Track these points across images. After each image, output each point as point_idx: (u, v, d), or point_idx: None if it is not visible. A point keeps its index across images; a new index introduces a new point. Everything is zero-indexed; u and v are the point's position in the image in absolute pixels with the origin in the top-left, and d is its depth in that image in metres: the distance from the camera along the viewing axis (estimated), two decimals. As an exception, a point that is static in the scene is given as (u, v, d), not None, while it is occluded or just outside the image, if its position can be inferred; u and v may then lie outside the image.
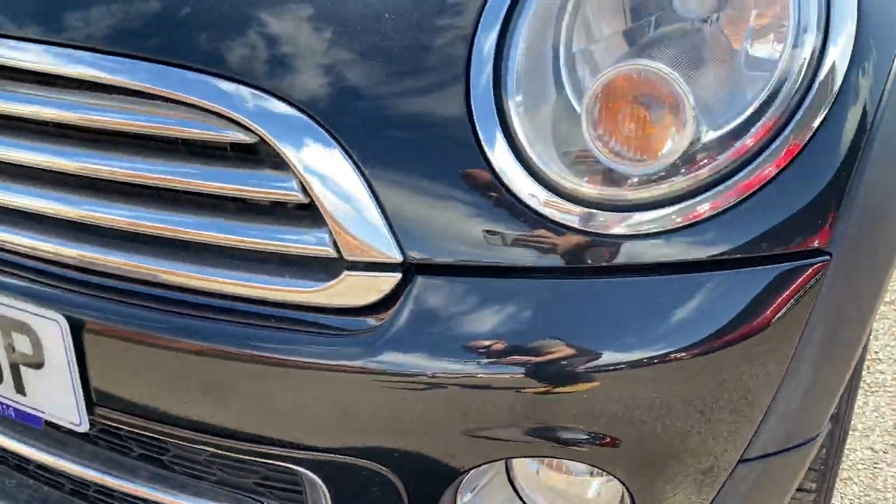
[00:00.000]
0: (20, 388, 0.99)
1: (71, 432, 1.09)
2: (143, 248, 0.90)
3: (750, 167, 0.82)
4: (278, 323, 0.87)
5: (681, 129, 0.81)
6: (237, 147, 0.88)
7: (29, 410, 1.01)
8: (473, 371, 0.82)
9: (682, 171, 0.82)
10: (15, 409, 1.02)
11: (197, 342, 0.89)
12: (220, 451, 0.97)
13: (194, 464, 1.02)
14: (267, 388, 0.88)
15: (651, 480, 0.88)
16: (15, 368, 0.98)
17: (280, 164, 0.85)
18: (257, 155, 0.88)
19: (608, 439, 0.85)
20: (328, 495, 0.91)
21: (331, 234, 0.84)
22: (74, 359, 0.92)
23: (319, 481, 0.90)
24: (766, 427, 0.91)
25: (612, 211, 0.82)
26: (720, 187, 0.82)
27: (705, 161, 0.82)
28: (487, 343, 0.82)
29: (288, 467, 0.96)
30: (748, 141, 0.82)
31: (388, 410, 0.85)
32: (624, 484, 0.87)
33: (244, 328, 0.88)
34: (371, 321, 0.85)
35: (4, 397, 1.02)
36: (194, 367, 0.89)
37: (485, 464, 0.86)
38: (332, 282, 0.85)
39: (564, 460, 0.93)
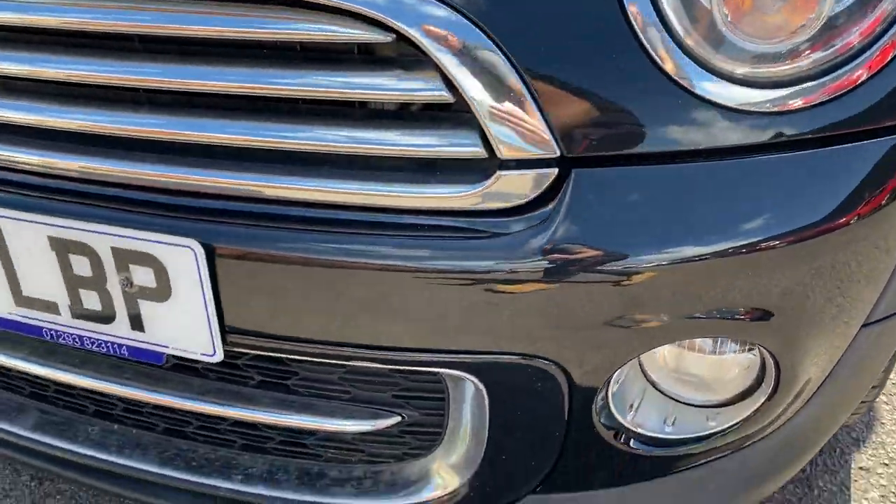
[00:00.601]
0: (137, 324, 0.95)
1: (179, 367, 1.06)
2: (279, 168, 0.85)
3: (885, 37, 0.85)
4: (427, 231, 0.85)
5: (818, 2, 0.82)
6: (365, 49, 0.85)
7: (148, 347, 0.96)
8: (638, 259, 0.83)
9: (822, 44, 0.83)
10: (129, 348, 0.98)
11: (342, 258, 0.86)
12: (362, 367, 0.97)
13: (325, 384, 1.01)
14: (422, 297, 0.86)
15: (794, 349, 0.93)
16: (132, 304, 0.93)
17: (419, 64, 0.82)
18: (393, 56, 0.85)
19: (763, 313, 0.88)
20: (486, 397, 0.92)
21: (482, 133, 0.82)
22: (210, 286, 0.88)
23: (479, 384, 0.90)
24: (888, 291, 0.97)
25: (762, 88, 0.83)
26: (859, 59, 0.85)
27: (842, 33, 0.83)
28: (650, 230, 0.83)
29: (431, 375, 0.96)
30: (887, 6, 0.83)
31: (553, 306, 0.85)
32: (772, 354, 0.91)
33: (390, 239, 0.86)
34: (527, 219, 0.85)
35: (116, 336, 0.97)
36: (340, 285, 0.87)
37: (646, 351, 0.88)
38: (486, 183, 0.84)
39: (699, 342, 0.97)
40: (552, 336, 0.87)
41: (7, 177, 0.93)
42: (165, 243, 0.87)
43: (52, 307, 0.98)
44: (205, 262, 0.86)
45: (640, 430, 0.98)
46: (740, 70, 0.82)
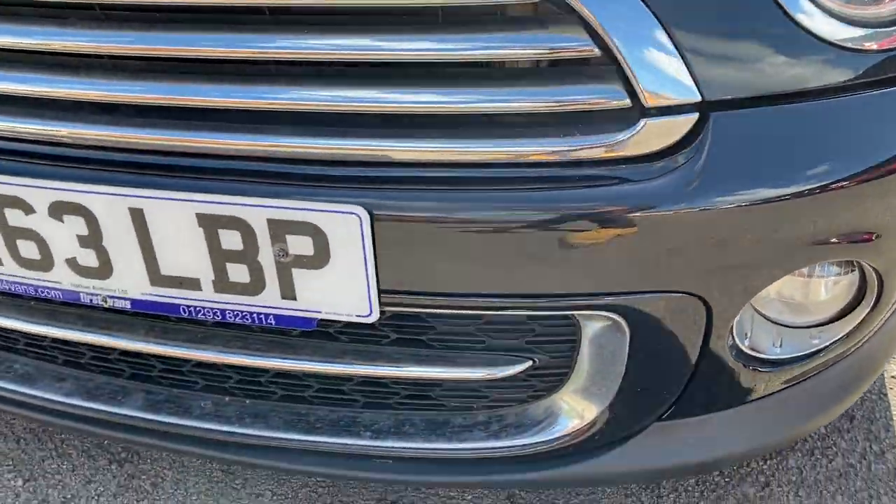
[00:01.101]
0: (289, 293, 0.97)
1: (307, 333, 1.08)
2: (433, 131, 0.88)
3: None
4: (575, 182, 0.90)
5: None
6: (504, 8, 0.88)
7: (299, 314, 0.98)
8: (775, 191, 0.90)
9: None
10: (277, 317, 1.00)
11: (496, 214, 0.90)
12: (502, 317, 1.01)
13: (460, 336, 1.05)
14: (574, 246, 0.91)
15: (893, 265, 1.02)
16: (284, 274, 0.95)
17: (560, 20, 0.86)
18: (528, 15, 0.88)
19: (875, 234, 0.96)
20: (626, 335, 0.98)
21: (626, 83, 0.87)
22: (372, 251, 0.91)
23: (622, 323, 0.96)
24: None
25: (879, 27, 0.90)
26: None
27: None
28: (783, 165, 0.90)
29: (566, 319, 1.02)
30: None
31: (698, 243, 0.91)
32: (877, 272, 1.00)
33: (539, 192, 0.91)
34: (670, 163, 0.90)
35: (264, 307, 0.99)
36: (493, 240, 0.91)
37: (779, 278, 0.96)
38: (632, 131, 0.88)
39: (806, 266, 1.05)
40: (696, 272, 0.93)
41: (148, 160, 0.94)
42: (329, 211, 0.89)
43: (193, 284, 0.99)
44: (369, 226, 0.90)
45: (755, 354, 1.07)
46: (858, 13, 0.90)
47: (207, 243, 0.95)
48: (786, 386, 1.14)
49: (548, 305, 0.96)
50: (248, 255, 0.95)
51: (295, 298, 0.98)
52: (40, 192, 0.98)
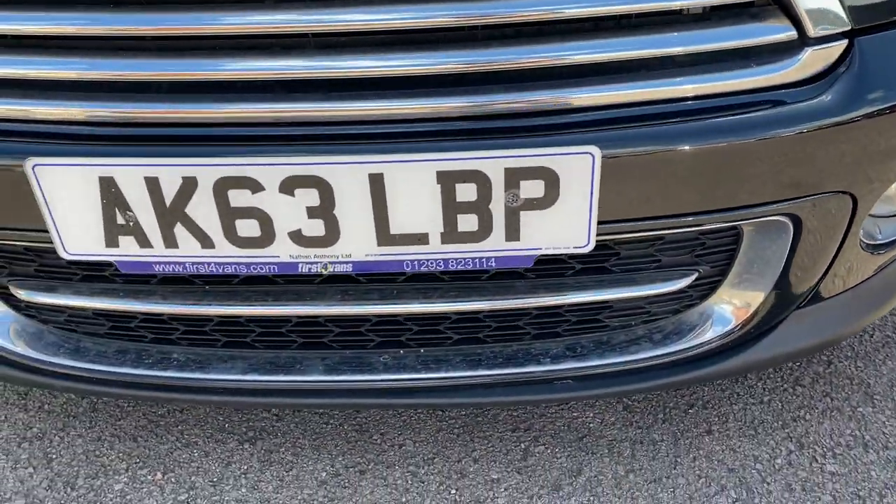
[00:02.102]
0: (513, 235, 1.07)
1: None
2: (649, 74, 1.01)
3: None
4: (753, 108, 1.05)
5: None
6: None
7: (520, 254, 1.09)
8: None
9: None
10: (498, 259, 1.09)
11: (696, 141, 1.04)
12: (680, 234, 1.15)
13: (640, 258, 1.18)
14: (757, 162, 1.06)
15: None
16: (512, 217, 1.05)
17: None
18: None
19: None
20: (790, 235, 1.15)
21: (793, 20, 1.03)
22: (598, 186, 1.02)
23: (789, 225, 1.13)
24: None
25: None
26: None
27: None
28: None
29: (733, 230, 1.17)
30: None
31: (852, 146, 1.09)
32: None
33: (724, 120, 1.05)
34: (828, 83, 1.07)
35: (486, 251, 1.08)
36: (693, 164, 1.05)
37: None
38: (797, 60, 1.05)
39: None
40: (851, 171, 1.12)
41: (391, 129, 1.01)
42: (565, 154, 1.00)
43: (421, 238, 1.07)
44: (599, 165, 1.01)
45: (869, 241, 1.27)
46: None
47: (443, 198, 1.04)
48: (874, 273, 1.37)
49: (729, 218, 1.12)
50: (480, 204, 1.05)
51: (518, 239, 1.08)
52: (273, 170, 1.03)
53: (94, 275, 1.24)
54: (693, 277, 1.22)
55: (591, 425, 1.56)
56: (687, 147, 1.05)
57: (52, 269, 1.25)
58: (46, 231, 1.12)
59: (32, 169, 1.06)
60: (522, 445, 1.53)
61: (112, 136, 1.05)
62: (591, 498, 1.43)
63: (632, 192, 1.07)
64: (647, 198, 1.09)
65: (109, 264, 1.22)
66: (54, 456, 1.55)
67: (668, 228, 1.12)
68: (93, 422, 1.62)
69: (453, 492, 1.46)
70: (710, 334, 1.28)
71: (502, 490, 1.45)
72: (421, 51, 1.01)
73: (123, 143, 1.05)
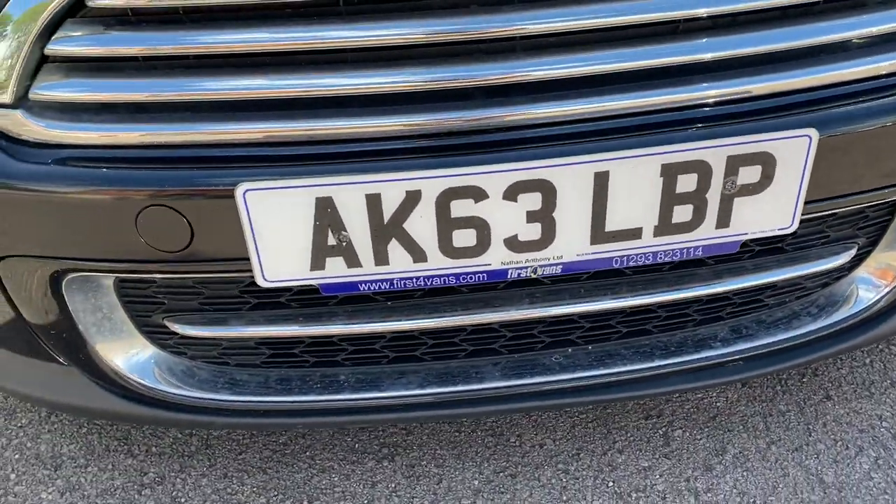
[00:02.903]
0: (724, 222, 1.08)
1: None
2: (856, 52, 1.05)
3: None
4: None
5: None
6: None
7: (727, 240, 1.10)
8: None
9: None
10: (706, 247, 1.10)
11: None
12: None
13: (813, 235, 1.22)
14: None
15: None
16: (726, 204, 1.06)
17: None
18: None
19: None
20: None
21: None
22: (810, 168, 1.05)
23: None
24: None
25: None
26: None
27: None
28: None
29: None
30: None
31: None
32: None
33: None
34: None
35: (696, 240, 1.09)
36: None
37: None
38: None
39: None
40: None
41: (613, 124, 1.01)
42: (785, 138, 1.02)
43: (634, 233, 1.07)
44: (815, 146, 1.04)
45: None
46: None
47: (663, 191, 1.04)
48: None
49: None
50: (697, 194, 1.06)
51: (728, 226, 1.10)
52: (500, 177, 1.01)
53: (268, 302, 1.19)
54: (854, 250, 1.28)
55: (719, 405, 1.60)
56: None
57: (220, 300, 1.20)
58: (242, 259, 1.07)
59: (243, 195, 1.01)
60: (660, 431, 1.55)
61: (331, 155, 1.01)
62: (745, 473, 1.47)
63: (838, 169, 1.11)
64: (850, 175, 1.13)
65: (286, 290, 1.18)
66: (183, 500, 1.47)
67: (862, 203, 1.17)
68: (211, 459, 1.55)
69: (611, 484, 1.47)
70: (863, 302, 1.34)
71: (657, 476, 1.47)
72: (637, 46, 1.02)
73: (344, 161, 1.01)
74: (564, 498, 1.45)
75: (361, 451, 1.55)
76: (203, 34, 1.00)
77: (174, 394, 1.25)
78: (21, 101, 1.04)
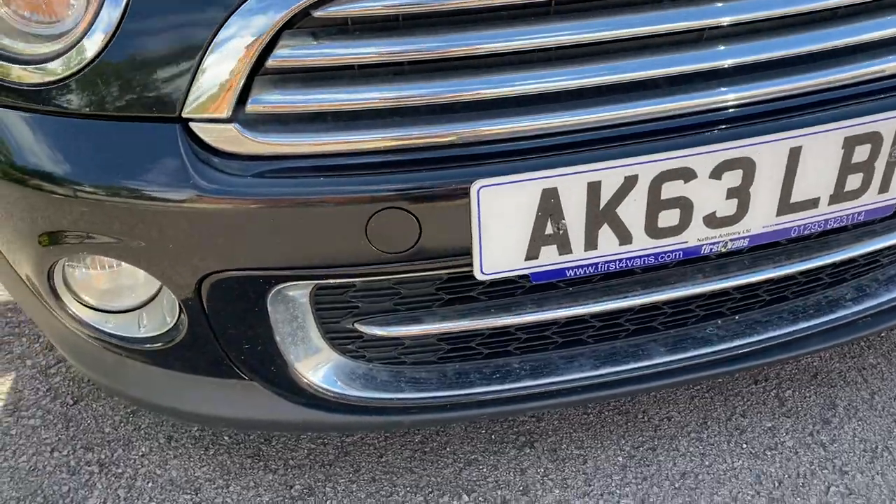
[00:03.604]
0: (885, 187, 1.18)
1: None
2: None
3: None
4: None
5: None
6: None
7: (885, 204, 1.20)
8: None
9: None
10: (867, 211, 1.20)
11: None
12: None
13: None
14: None
15: None
16: (889, 171, 1.16)
17: None
18: None
19: None
20: None
21: None
22: None
23: None
24: None
25: None
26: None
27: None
28: None
29: None
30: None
31: None
32: None
33: None
34: None
35: (859, 206, 1.18)
36: None
37: None
38: None
39: None
40: None
41: (806, 101, 1.09)
42: (944, 107, 1.13)
43: (813, 203, 1.16)
44: (962, 113, 1.15)
45: None
46: None
47: (842, 161, 1.13)
48: None
49: None
50: (868, 163, 1.15)
51: (888, 191, 1.20)
52: (710, 157, 1.08)
53: (460, 297, 1.22)
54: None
55: (816, 364, 1.72)
56: None
57: (415, 298, 1.21)
58: (463, 255, 1.10)
59: (478, 191, 1.04)
60: (772, 394, 1.65)
61: (556, 146, 1.05)
62: (860, 423, 1.58)
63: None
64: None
65: (478, 283, 1.21)
66: None
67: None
68: (355, 465, 1.55)
69: (744, 446, 1.55)
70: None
71: (783, 434, 1.57)
72: (822, 29, 1.11)
73: (568, 152, 1.06)
74: (707, 463, 1.53)
75: (500, 442, 1.59)
76: (430, 39, 1.02)
77: (361, 397, 1.26)
78: (236, 115, 1.06)
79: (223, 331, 1.19)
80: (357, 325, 1.23)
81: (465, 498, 1.49)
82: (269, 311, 1.16)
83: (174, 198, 1.06)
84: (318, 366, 1.27)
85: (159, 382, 1.29)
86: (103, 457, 1.60)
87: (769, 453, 1.54)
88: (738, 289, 1.37)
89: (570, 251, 1.13)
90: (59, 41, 1.07)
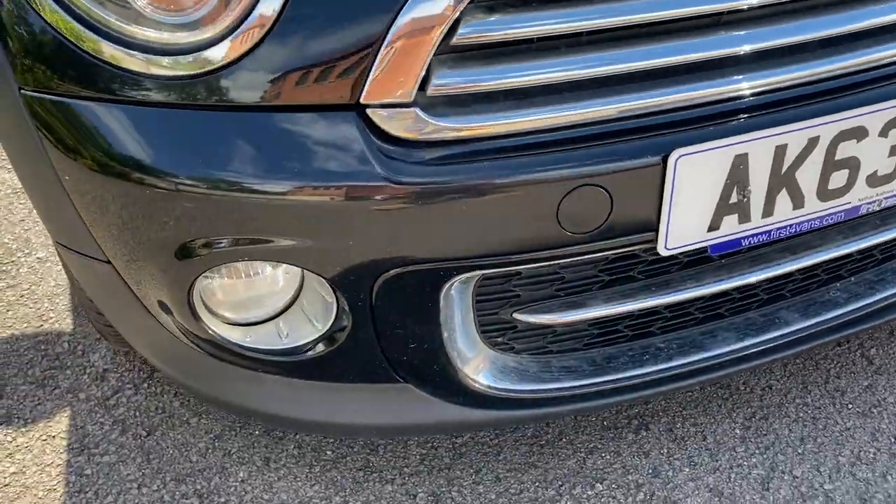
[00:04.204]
0: None
1: None
2: None
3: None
4: None
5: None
6: None
7: None
8: None
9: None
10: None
11: None
12: None
13: None
14: None
15: None
16: None
17: None
18: None
19: None
20: None
21: None
22: None
23: None
24: None
25: None
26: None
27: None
28: None
29: None
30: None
31: None
32: None
33: None
34: None
35: None
36: None
37: None
38: None
39: None
40: None
41: None
42: None
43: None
44: None
45: None
46: None
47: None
48: None
49: None
50: None
51: None
52: (880, 115, 1.08)
53: (619, 278, 1.18)
54: None
55: (893, 324, 1.77)
56: None
57: (575, 282, 1.16)
58: (647, 231, 1.06)
59: (675, 161, 1.00)
60: (858, 354, 1.68)
61: (747, 109, 1.03)
62: (948, 374, 1.64)
63: None
64: None
65: (640, 262, 1.18)
66: None
67: None
68: (473, 466, 1.48)
69: (849, 406, 1.57)
70: None
71: (883, 392, 1.59)
72: None
73: (759, 115, 1.03)
74: (820, 426, 1.54)
75: (614, 428, 1.56)
76: (611, 8, 0.98)
77: (519, 390, 1.21)
78: (416, 99, 0.99)
79: (389, 332, 1.11)
80: (516, 316, 1.18)
81: (599, 487, 1.46)
82: (440, 306, 1.10)
83: (359, 191, 0.98)
84: (477, 362, 1.20)
85: (305, 396, 1.20)
86: (199, 487, 1.49)
87: (875, 411, 1.57)
88: (862, 250, 1.39)
89: (748, 220, 1.11)
90: (214, 26, 0.98)
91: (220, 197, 1.00)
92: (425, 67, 0.97)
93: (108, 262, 1.16)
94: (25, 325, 1.88)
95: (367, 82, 0.97)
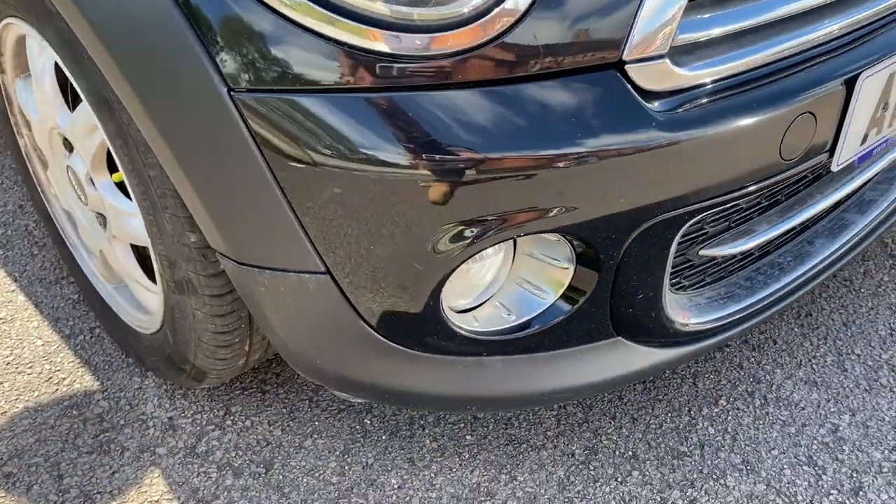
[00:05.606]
0: None
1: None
2: None
3: None
4: None
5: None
6: None
7: None
8: None
9: None
10: None
11: None
12: None
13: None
14: None
15: None
16: None
17: None
18: None
19: None
20: None
21: None
22: None
23: None
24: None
25: None
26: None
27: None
28: None
29: None
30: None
31: None
32: None
33: None
34: None
35: None
36: None
37: None
38: None
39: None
40: None
41: None
42: None
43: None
44: None
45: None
46: None
47: None
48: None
49: None
50: None
51: None
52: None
53: (775, 201, 1.27)
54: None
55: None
56: None
57: (749, 210, 1.24)
58: (824, 153, 1.16)
59: (862, 82, 1.10)
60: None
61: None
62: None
63: None
64: None
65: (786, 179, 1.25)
66: (624, 478, 1.44)
67: None
68: (607, 414, 1.53)
69: (862, 291, 1.81)
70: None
71: (876, 273, 1.86)
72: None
73: (903, 39, 1.17)
74: (851, 311, 1.77)
75: (680, 402, 1.67)
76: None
77: (712, 320, 1.27)
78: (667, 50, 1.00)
79: (623, 288, 1.13)
80: (703, 252, 1.25)
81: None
82: (670, 253, 1.14)
83: (638, 145, 0.99)
84: (680, 302, 1.26)
85: (527, 370, 1.16)
86: (358, 506, 1.38)
87: (881, 290, 1.85)
88: None
89: (881, 131, 1.27)
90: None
91: (498, 174, 0.96)
92: (679, 17, 1.00)
93: (326, 273, 1.05)
94: (35, 393, 1.59)
95: (630, 37, 0.99)
